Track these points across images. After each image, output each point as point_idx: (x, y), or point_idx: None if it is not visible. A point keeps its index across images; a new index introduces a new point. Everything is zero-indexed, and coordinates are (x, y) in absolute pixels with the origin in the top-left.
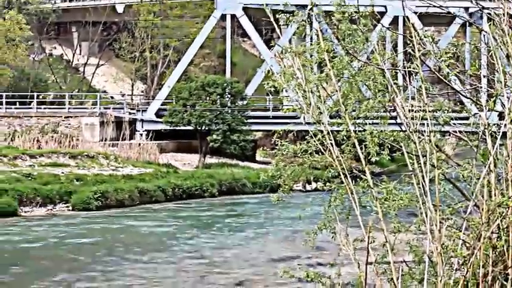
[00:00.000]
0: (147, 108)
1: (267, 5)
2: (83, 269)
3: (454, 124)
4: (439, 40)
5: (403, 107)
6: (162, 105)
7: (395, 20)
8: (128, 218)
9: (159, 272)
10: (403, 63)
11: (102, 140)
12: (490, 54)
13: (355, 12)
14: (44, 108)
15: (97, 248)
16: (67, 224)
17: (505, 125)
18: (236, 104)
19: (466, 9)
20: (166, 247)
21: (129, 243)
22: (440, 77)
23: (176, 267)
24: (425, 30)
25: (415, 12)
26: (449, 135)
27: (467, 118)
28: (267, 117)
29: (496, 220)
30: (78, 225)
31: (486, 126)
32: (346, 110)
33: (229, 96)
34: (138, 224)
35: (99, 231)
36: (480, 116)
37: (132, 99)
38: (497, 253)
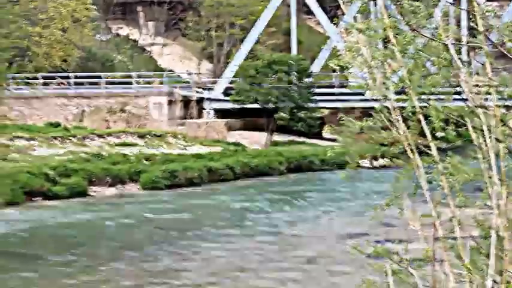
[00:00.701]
0: (214, 86)
1: None
2: (165, 244)
3: None
4: (501, 15)
5: (467, 82)
6: (229, 83)
7: None
8: (199, 196)
9: (234, 247)
10: (467, 38)
11: (170, 119)
12: None
13: None
14: (112, 88)
15: (173, 224)
16: (139, 202)
17: None
18: (302, 81)
19: None
20: (239, 224)
21: (204, 219)
22: (504, 51)
23: (250, 243)
24: (488, 5)
25: None
26: None
27: None
28: (333, 94)
29: None
30: (149, 203)
31: None
32: (411, 85)
33: (295, 73)
34: (209, 201)
35: (173, 209)
36: None
37: (199, 78)
38: None
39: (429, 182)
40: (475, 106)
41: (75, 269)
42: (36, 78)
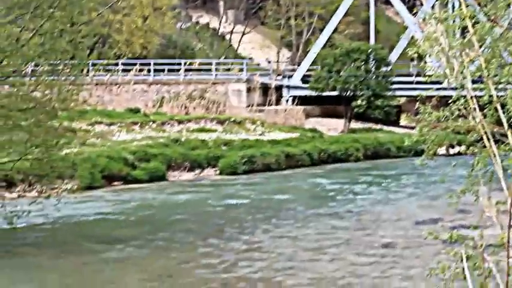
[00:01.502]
0: (292, 74)
1: None
2: (249, 227)
3: None
4: None
5: None
6: (307, 71)
7: None
8: (277, 181)
9: (314, 230)
10: None
11: (248, 106)
12: None
13: None
14: (192, 75)
15: (255, 207)
16: (219, 186)
17: None
18: (380, 70)
19: None
20: (317, 206)
21: (285, 203)
22: None
23: (330, 226)
24: None
25: None
26: None
27: None
28: (411, 83)
29: None
30: (229, 188)
31: None
32: (488, 75)
33: (373, 62)
34: (289, 185)
35: (254, 193)
36: None
37: (278, 65)
38: None
39: (505, 170)
40: None
41: (171, 249)
42: (116, 64)
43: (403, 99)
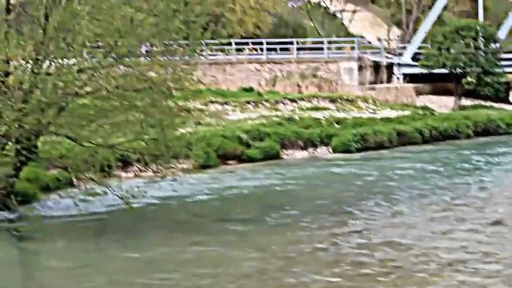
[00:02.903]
0: (403, 52)
1: None
2: (363, 205)
3: None
4: None
5: None
6: (417, 49)
7: None
8: (393, 159)
9: (425, 207)
10: None
11: (360, 84)
12: None
13: None
14: (304, 54)
15: (374, 184)
16: (333, 164)
17: None
18: (489, 47)
19: None
20: (431, 185)
21: (402, 180)
22: None
23: (440, 204)
24: None
25: None
26: None
27: None
28: None
29: None
30: (347, 165)
31: None
32: None
33: (482, 39)
34: (404, 164)
35: (372, 169)
36: None
37: (388, 43)
38: None
39: None
40: None
41: (289, 228)
42: (229, 44)
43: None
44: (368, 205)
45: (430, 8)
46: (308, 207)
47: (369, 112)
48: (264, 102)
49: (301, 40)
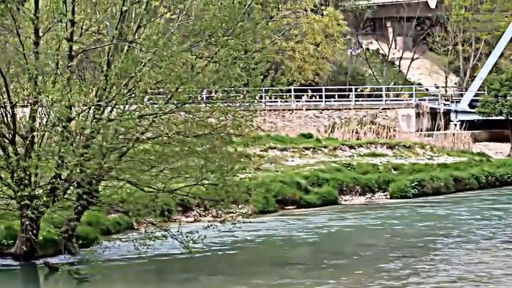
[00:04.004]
0: (460, 99)
1: None
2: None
3: None
4: None
5: None
6: (474, 96)
7: None
8: (450, 204)
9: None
10: None
11: (417, 131)
12: None
13: None
14: (362, 101)
15: (435, 228)
16: (390, 209)
17: None
18: None
19: None
20: (493, 231)
21: (460, 226)
22: None
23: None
24: None
25: None
26: None
27: None
28: None
29: None
30: (401, 210)
31: None
32: None
33: None
34: (462, 209)
35: (430, 214)
36: None
37: (446, 90)
38: None
39: None
40: None
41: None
42: (289, 91)
43: None
44: (433, 248)
45: (487, 55)
46: (369, 252)
47: (426, 158)
48: (322, 148)
49: (360, 87)
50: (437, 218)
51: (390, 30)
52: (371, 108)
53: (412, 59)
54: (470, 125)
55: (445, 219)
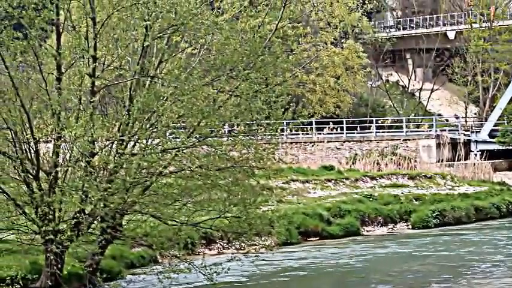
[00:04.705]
0: (480, 129)
1: None
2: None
3: None
4: None
5: None
6: (494, 126)
7: None
8: (472, 234)
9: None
10: None
11: (438, 161)
12: None
13: None
14: (383, 132)
15: (460, 258)
16: (414, 239)
17: None
18: None
19: None
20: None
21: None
22: None
23: None
24: None
25: None
26: None
27: None
28: None
29: None
30: (427, 240)
31: None
32: None
33: None
34: (486, 238)
35: (454, 244)
36: None
37: (465, 121)
38: None
39: None
40: None
41: None
42: (310, 123)
43: None
44: (469, 273)
45: (506, 85)
46: (401, 282)
47: (447, 188)
48: (344, 180)
49: (381, 119)
50: (464, 246)
51: (410, 61)
52: (392, 140)
53: (432, 90)
54: (490, 155)
55: (471, 247)
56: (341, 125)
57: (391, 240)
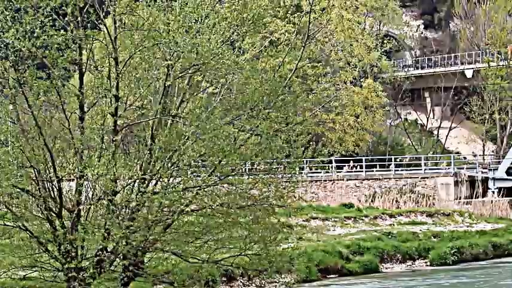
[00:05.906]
0: (497, 167)
1: None
2: None
3: None
4: None
5: None
6: (511, 163)
7: None
8: (490, 270)
9: None
10: None
11: (456, 198)
12: None
13: None
14: (401, 170)
15: None
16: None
17: None
18: None
19: None
20: None
21: None
22: None
23: None
24: None
25: None
26: None
27: None
28: None
29: None
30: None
31: None
32: None
33: None
34: (504, 275)
35: (474, 281)
36: None
37: (483, 158)
38: None
39: None
40: None
41: None
42: (330, 162)
43: None
44: None
45: None
46: None
47: (465, 225)
48: (363, 218)
49: (400, 157)
50: (487, 283)
51: (428, 100)
52: (410, 177)
53: (450, 128)
54: (508, 192)
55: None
56: (360, 163)
57: (411, 277)
